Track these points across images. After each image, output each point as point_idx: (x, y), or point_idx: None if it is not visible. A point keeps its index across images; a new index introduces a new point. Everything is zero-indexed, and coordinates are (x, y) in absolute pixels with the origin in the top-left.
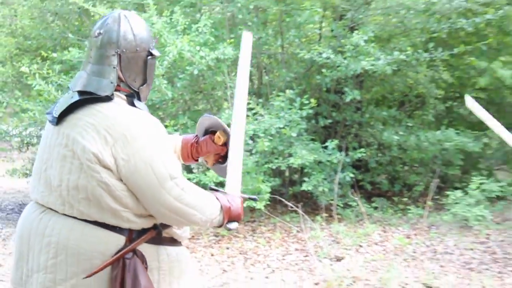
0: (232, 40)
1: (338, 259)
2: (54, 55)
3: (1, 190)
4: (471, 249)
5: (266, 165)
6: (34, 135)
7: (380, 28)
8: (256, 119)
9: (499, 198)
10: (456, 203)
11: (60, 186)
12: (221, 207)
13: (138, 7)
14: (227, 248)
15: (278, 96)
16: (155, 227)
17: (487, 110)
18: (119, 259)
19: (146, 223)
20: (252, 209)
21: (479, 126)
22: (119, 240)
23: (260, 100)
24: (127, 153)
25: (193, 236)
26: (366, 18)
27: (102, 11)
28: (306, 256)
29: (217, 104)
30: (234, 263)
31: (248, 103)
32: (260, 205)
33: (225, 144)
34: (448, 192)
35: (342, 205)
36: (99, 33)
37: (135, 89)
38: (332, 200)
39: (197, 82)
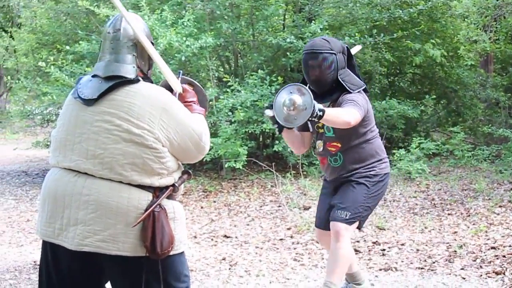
0: (212, 31)
1: (306, 208)
2: (67, 47)
3: (28, 159)
4: (414, 197)
5: (243, 131)
6: (53, 113)
7: (333, 18)
8: (235, 94)
9: (435, 154)
10: (400, 159)
11: (103, 154)
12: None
13: (134, 6)
14: (214, 202)
15: (252, 75)
16: (173, 185)
17: (422, 83)
18: (150, 212)
19: (170, 181)
20: (233, 169)
21: (417, 96)
22: (148, 196)
23: (237, 79)
24: (170, 121)
25: (185, 192)
26: (321, 10)
27: (105, 11)
28: (279, 206)
29: (201, 83)
30: (220, 214)
31: (227, 81)
32: (239, 165)
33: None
34: (393, 151)
35: (307, 164)
36: (118, 29)
37: (145, 73)
38: (298, 159)
39: (184, 66)
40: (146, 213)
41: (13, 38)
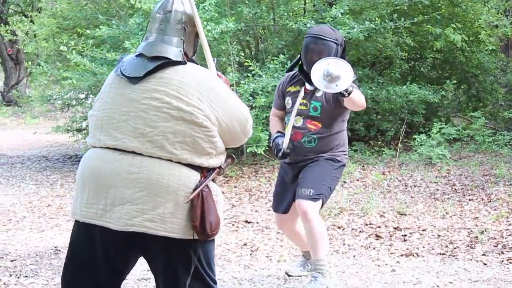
0: (232, 16)
1: None
2: (88, 31)
3: (48, 144)
4: (435, 182)
5: (264, 116)
6: (73, 98)
7: (353, 2)
8: (255, 79)
9: (455, 139)
10: (421, 144)
11: (152, 132)
12: None
13: None
14: (235, 187)
15: (273, 60)
16: (219, 167)
17: (443, 68)
18: (199, 191)
19: (217, 162)
20: (254, 154)
21: (437, 81)
22: (197, 176)
23: (258, 64)
24: (218, 101)
25: (227, 181)
26: None
27: None
28: None
29: (222, 68)
30: (241, 199)
31: (249, 66)
32: (260, 151)
33: None
34: (414, 136)
35: None
36: (169, 11)
37: (190, 57)
38: None
39: None
40: (197, 191)
41: (33, 23)
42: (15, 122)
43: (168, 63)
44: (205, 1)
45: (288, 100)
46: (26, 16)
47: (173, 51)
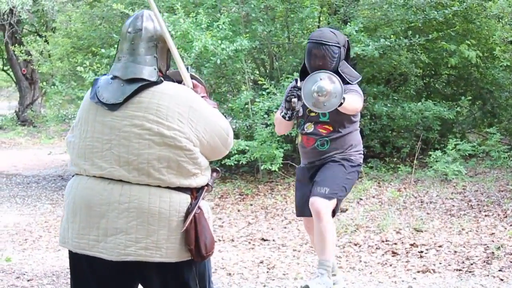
0: (247, 34)
1: (343, 211)
2: (103, 50)
3: (63, 163)
4: (451, 199)
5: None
6: None
7: (368, 20)
8: (270, 97)
9: (471, 156)
10: (437, 161)
11: (137, 160)
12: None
13: (169, 9)
14: (251, 205)
15: (287, 78)
16: (207, 184)
17: (458, 84)
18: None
19: (204, 180)
20: (269, 172)
21: (452, 98)
22: (187, 198)
23: (272, 82)
24: (198, 120)
25: (222, 196)
26: (356, 12)
27: None
28: None
29: (237, 86)
30: (257, 217)
31: (263, 84)
32: (275, 168)
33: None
34: (430, 152)
35: None
36: (140, 29)
37: (164, 73)
38: None
39: (220, 69)
40: (190, 217)
41: (48, 43)
42: (31, 142)
43: (145, 85)
44: (219, 20)
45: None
46: (40, 36)
47: (148, 71)
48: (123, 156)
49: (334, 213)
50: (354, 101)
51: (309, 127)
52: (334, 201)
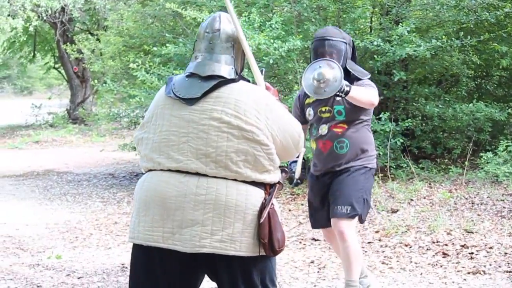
0: (299, 34)
1: (394, 211)
2: (155, 49)
3: (115, 161)
4: (502, 200)
5: None
6: (140, 115)
7: (420, 20)
8: None
9: None
10: (488, 162)
11: (215, 152)
12: None
13: (222, 9)
14: (302, 204)
15: None
16: (279, 182)
17: (509, 86)
18: (265, 208)
19: (276, 178)
20: None
21: (504, 99)
22: (262, 193)
23: None
24: (274, 118)
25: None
26: (408, 13)
27: (192, 14)
28: None
29: (288, 86)
30: (308, 217)
31: None
32: None
33: None
34: (481, 154)
35: (394, 166)
36: (218, 29)
37: (239, 74)
38: (386, 162)
39: (272, 69)
40: (266, 209)
41: (99, 41)
42: (82, 140)
43: (223, 82)
44: (271, 19)
45: (310, 111)
46: (92, 35)
47: (226, 69)
48: (201, 149)
49: (362, 220)
50: (367, 93)
51: (324, 129)
52: (356, 219)
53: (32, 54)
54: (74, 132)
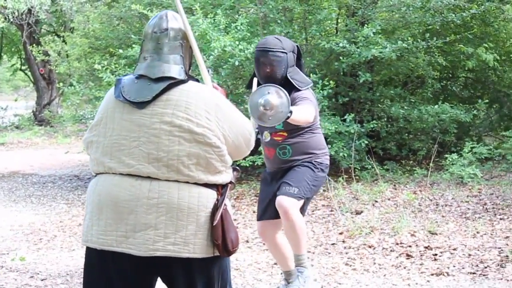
0: (265, 35)
1: (358, 213)
2: (120, 51)
3: (80, 163)
4: (467, 202)
5: None
6: None
7: (386, 22)
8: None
9: (487, 159)
10: (453, 164)
11: (166, 156)
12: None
13: (187, 10)
14: None
15: None
16: (231, 181)
17: (475, 87)
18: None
19: (229, 178)
20: None
21: (469, 101)
22: (214, 194)
23: None
24: (224, 118)
25: (237, 197)
26: (374, 14)
27: None
28: (332, 211)
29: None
30: None
31: None
32: None
33: None
34: (446, 155)
35: (359, 168)
36: (165, 29)
37: (187, 72)
38: (351, 164)
39: (237, 70)
40: (219, 211)
41: (65, 43)
42: (47, 142)
43: (173, 84)
44: (237, 21)
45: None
46: (58, 36)
47: (176, 70)
48: (152, 153)
49: (302, 212)
50: (304, 112)
51: (266, 136)
52: (301, 202)
53: None
54: (40, 134)
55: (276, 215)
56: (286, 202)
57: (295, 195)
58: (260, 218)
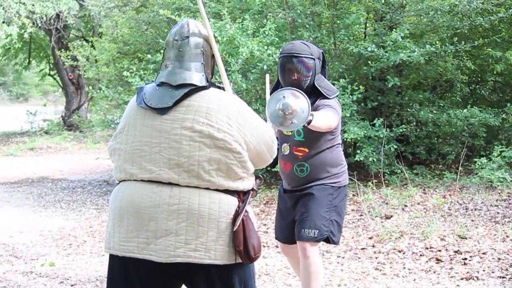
0: (293, 40)
1: (388, 217)
2: (149, 56)
3: (109, 168)
4: (496, 206)
5: None
6: None
7: (414, 26)
8: None
9: None
10: (482, 168)
11: (187, 162)
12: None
13: (215, 15)
14: None
15: (334, 84)
16: (253, 189)
17: (504, 91)
18: (239, 216)
19: (250, 185)
20: None
21: (498, 104)
22: (235, 201)
23: None
24: (246, 124)
25: (267, 202)
26: (402, 18)
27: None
28: (361, 215)
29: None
30: None
31: None
32: None
33: None
34: (475, 159)
35: (388, 172)
36: (187, 37)
37: (209, 80)
38: (380, 168)
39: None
40: (240, 217)
41: (94, 48)
42: (77, 147)
43: (194, 89)
44: (265, 26)
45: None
46: (87, 41)
47: (197, 77)
48: (173, 159)
49: (335, 242)
50: (326, 118)
51: (286, 149)
52: (321, 240)
53: (27, 60)
54: (69, 139)
55: (294, 242)
56: (307, 247)
57: (316, 239)
58: (277, 238)
